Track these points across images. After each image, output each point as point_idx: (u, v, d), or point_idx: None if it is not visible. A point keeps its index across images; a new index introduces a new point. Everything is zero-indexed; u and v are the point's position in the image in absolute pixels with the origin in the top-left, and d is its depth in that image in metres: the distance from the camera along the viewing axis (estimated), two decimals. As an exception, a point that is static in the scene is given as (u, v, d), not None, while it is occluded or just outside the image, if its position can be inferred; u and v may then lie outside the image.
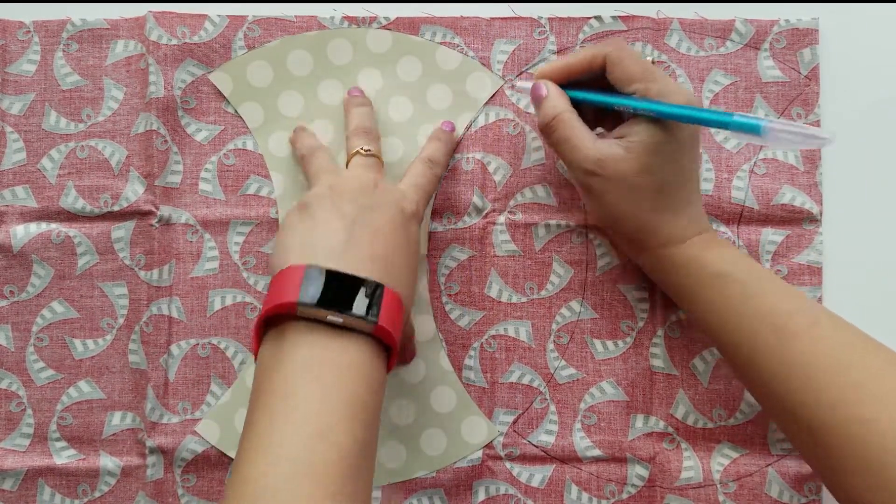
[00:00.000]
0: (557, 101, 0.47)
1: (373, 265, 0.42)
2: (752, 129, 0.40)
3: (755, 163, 0.53)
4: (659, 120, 0.45)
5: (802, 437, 0.43)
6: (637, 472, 0.52)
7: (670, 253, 0.47)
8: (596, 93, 0.48)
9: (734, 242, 0.53)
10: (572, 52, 0.51)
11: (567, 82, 0.48)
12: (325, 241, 0.43)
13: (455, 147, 0.53)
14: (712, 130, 0.53)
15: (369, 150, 0.49)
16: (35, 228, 0.54)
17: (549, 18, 0.54)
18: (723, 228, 0.53)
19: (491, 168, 0.54)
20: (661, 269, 0.49)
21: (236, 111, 0.54)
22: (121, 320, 0.54)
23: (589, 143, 0.46)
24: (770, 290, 0.45)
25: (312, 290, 0.40)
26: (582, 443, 0.53)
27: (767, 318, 0.44)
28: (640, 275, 0.53)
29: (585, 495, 0.52)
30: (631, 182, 0.46)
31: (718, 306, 0.46)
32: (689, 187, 0.47)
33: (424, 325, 0.54)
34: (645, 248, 0.48)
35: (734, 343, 0.46)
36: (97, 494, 0.53)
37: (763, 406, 0.46)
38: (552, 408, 0.53)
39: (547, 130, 0.48)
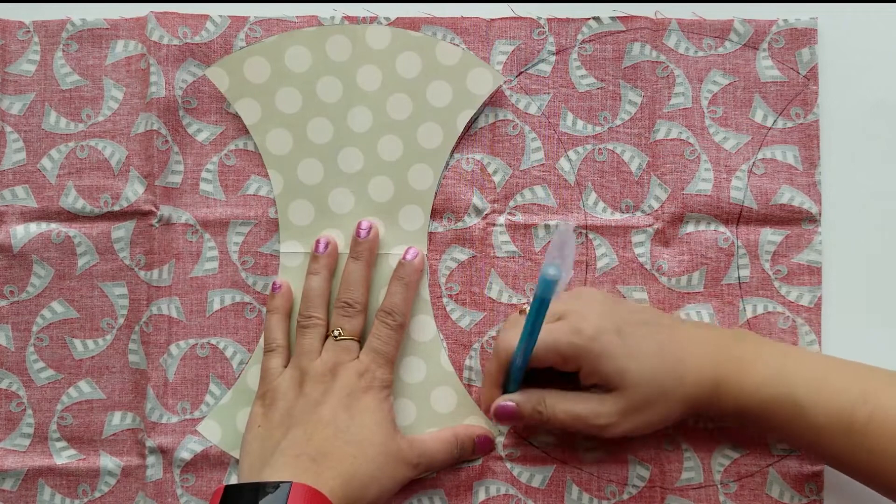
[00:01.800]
0: (525, 403, 0.49)
1: (296, 462, 0.46)
2: (548, 284, 0.41)
3: (754, 163, 0.53)
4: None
5: None
6: (638, 473, 0.52)
7: (722, 412, 0.48)
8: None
9: (732, 243, 0.53)
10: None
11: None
12: (259, 447, 0.48)
13: (421, 276, 0.53)
14: (710, 131, 0.53)
15: (341, 334, 0.51)
16: (35, 228, 0.54)
17: (548, 19, 0.54)
18: (721, 228, 0.53)
19: (491, 169, 0.54)
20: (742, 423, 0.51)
21: (232, 108, 0.54)
22: (121, 320, 0.54)
23: (585, 410, 0.48)
24: (815, 387, 0.46)
25: None
26: (583, 443, 0.53)
27: (833, 424, 0.45)
28: (639, 275, 0.53)
29: (586, 496, 0.52)
30: (636, 404, 0.47)
31: (794, 432, 0.47)
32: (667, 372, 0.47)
33: (425, 326, 0.54)
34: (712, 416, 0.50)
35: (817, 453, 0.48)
36: (97, 494, 0.53)
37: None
38: (552, 408, 0.53)
39: (547, 426, 0.50)
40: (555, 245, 0.40)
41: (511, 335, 0.48)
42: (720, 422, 0.52)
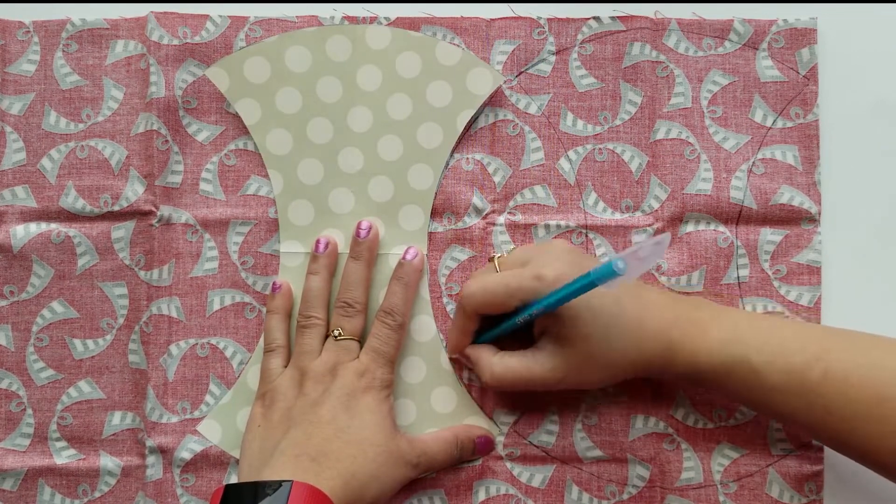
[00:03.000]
0: (485, 368, 0.49)
1: (296, 462, 0.46)
2: (608, 273, 0.41)
3: (754, 162, 0.53)
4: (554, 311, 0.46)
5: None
6: (638, 473, 0.52)
7: (676, 374, 0.48)
8: (497, 323, 0.50)
9: (732, 242, 0.53)
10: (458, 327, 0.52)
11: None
12: (259, 446, 0.49)
13: (421, 276, 0.54)
14: (710, 130, 0.54)
15: (341, 334, 0.51)
16: (35, 228, 0.54)
17: (548, 19, 0.54)
18: (721, 228, 0.53)
19: (490, 169, 0.54)
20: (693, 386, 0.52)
21: (232, 108, 0.54)
22: (121, 320, 0.54)
23: (525, 369, 0.48)
24: (770, 349, 0.46)
25: None
26: (582, 443, 0.53)
27: (787, 385, 0.45)
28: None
29: (586, 496, 0.52)
30: (583, 359, 0.47)
31: (749, 394, 0.47)
32: (625, 323, 0.47)
33: (425, 326, 0.54)
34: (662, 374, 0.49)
35: (776, 415, 0.48)
36: (97, 494, 0.53)
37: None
38: (553, 408, 0.53)
39: (498, 388, 0.51)
40: (642, 247, 0.40)
41: (477, 283, 0.48)
42: (673, 384, 0.52)
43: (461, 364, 0.53)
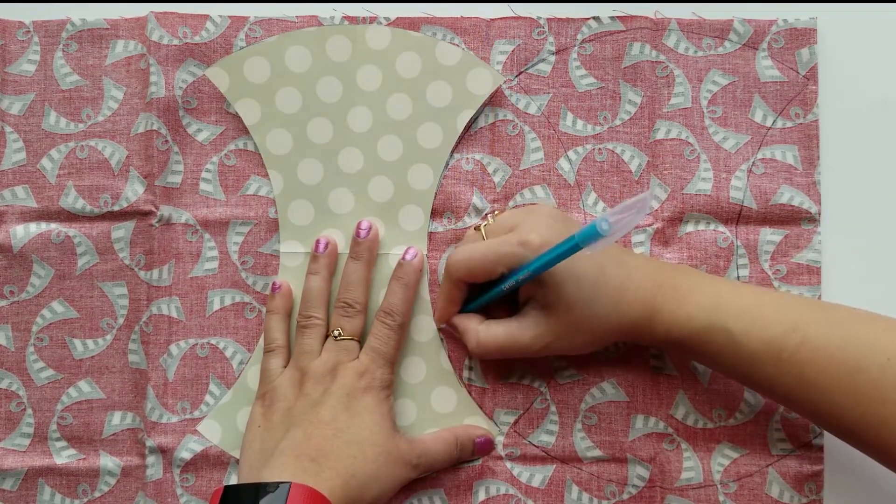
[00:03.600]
0: (471, 336, 0.50)
1: (296, 463, 0.46)
2: (593, 234, 0.40)
3: (753, 162, 0.53)
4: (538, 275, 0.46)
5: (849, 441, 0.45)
6: (638, 473, 0.52)
7: (657, 339, 0.48)
8: (485, 292, 0.50)
9: (732, 242, 0.53)
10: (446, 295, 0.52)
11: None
12: (259, 447, 0.49)
13: (420, 276, 0.54)
14: (710, 130, 0.54)
15: (340, 334, 0.51)
16: (35, 228, 0.54)
17: (547, 19, 0.54)
18: (721, 228, 0.53)
19: (490, 169, 0.54)
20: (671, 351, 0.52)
21: (232, 108, 0.54)
22: (121, 320, 0.54)
23: (510, 336, 0.49)
24: (749, 317, 0.46)
25: None
26: (582, 443, 0.53)
27: (764, 353, 0.45)
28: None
29: (586, 496, 0.52)
30: (567, 324, 0.48)
31: (726, 361, 0.47)
32: (606, 287, 0.47)
33: (425, 326, 0.54)
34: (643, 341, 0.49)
35: (745, 379, 0.48)
36: (97, 494, 0.53)
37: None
38: (553, 408, 0.53)
39: (485, 356, 0.51)
40: (625, 206, 0.40)
41: (463, 251, 0.49)
42: (653, 348, 0.53)
43: (448, 334, 0.53)
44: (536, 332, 0.48)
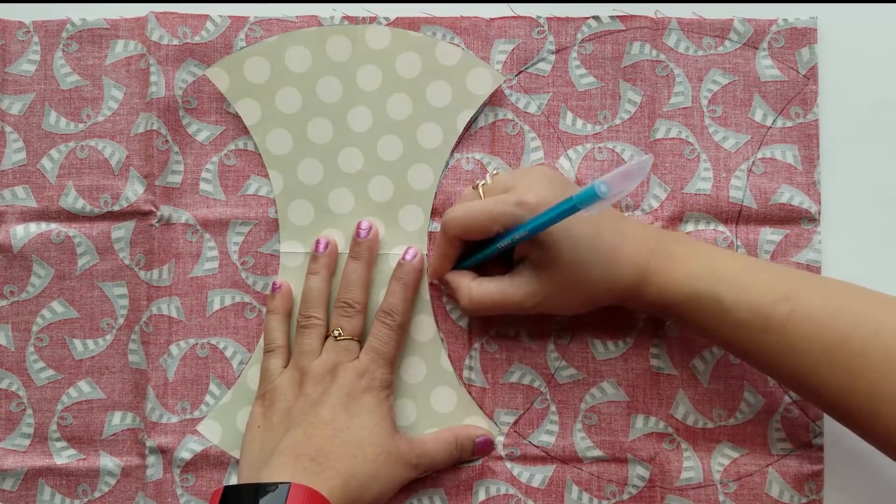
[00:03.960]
0: (464, 292, 0.50)
1: (296, 463, 0.46)
2: (591, 196, 0.40)
3: (753, 162, 0.53)
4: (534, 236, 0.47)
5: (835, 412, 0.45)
6: (638, 473, 0.52)
7: (647, 304, 0.48)
8: (480, 250, 0.50)
9: (731, 242, 0.53)
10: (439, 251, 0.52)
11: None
12: (259, 447, 0.49)
13: (420, 276, 0.54)
14: (710, 130, 0.54)
15: (340, 335, 0.51)
16: (35, 228, 0.54)
17: (547, 18, 0.54)
18: (721, 227, 0.53)
19: (490, 168, 0.54)
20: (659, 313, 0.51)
21: (232, 108, 0.54)
22: (121, 320, 0.54)
23: (502, 293, 0.49)
24: (741, 285, 0.46)
25: None
26: (582, 443, 0.53)
27: (753, 322, 0.45)
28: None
29: (586, 496, 0.52)
30: (560, 284, 0.48)
31: (716, 329, 0.47)
32: (597, 252, 0.47)
33: (425, 325, 0.54)
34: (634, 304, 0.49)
35: (733, 348, 0.48)
36: (97, 494, 0.53)
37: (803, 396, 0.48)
38: (553, 408, 0.53)
39: (476, 313, 0.52)
40: (625, 170, 0.40)
41: (460, 209, 0.49)
42: (644, 311, 0.52)
43: (440, 290, 0.53)
44: (529, 290, 0.48)
